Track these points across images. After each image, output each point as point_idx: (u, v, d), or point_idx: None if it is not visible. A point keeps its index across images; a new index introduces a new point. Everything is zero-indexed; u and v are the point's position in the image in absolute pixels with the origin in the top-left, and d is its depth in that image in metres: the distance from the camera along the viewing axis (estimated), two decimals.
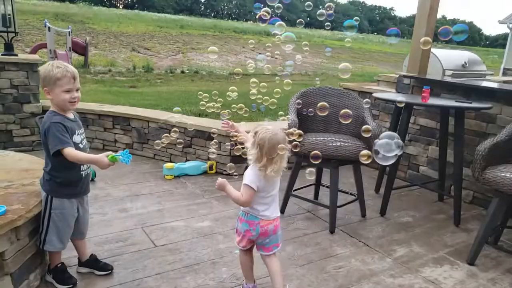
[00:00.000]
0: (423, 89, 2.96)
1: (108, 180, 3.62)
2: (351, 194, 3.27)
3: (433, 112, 3.74)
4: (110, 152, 1.92)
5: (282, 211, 3.14)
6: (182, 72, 13.83)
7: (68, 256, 2.32)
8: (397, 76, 4.15)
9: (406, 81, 3.98)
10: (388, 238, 2.89)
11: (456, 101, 3.13)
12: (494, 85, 3.71)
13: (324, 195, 3.40)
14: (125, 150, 1.92)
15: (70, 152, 1.90)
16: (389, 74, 4.61)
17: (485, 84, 3.65)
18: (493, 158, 2.59)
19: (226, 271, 2.35)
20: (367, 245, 2.77)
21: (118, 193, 3.38)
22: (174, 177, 3.80)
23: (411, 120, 4.00)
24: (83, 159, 1.95)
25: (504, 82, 4.77)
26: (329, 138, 2.93)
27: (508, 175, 2.42)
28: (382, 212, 3.24)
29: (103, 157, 1.89)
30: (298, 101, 3.04)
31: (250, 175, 1.95)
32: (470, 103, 3.06)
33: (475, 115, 3.49)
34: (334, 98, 3.22)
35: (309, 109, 2.45)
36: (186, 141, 4.11)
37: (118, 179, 3.68)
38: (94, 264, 2.26)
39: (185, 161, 4.06)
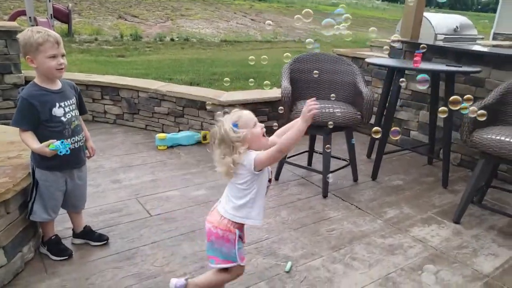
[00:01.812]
0: (415, 53, 2.97)
1: (99, 152, 3.62)
2: (343, 159, 3.33)
3: None
4: (53, 141, 1.87)
5: (277, 178, 3.21)
6: (172, 39, 13.52)
7: (62, 228, 2.35)
8: (390, 41, 4.13)
9: (398, 45, 3.98)
10: (379, 201, 2.99)
11: (446, 65, 3.15)
12: (484, 49, 3.73)
13: (318, 162, 3.47)
14: (61, 140, 1.89)
15: (21, 135, 1.89)
16: (382, 39, 4.59)
17: (475, 48, 3.66)
18: (481, 121, 2.64)
19: None
20: (359, 208, 2.86)
21: (110, 164, 3.40)
22: (168, 147, 3.82)
23: (403, 85, 4.03)
24: (29, 146, 1.91)
25: (494, 46, 4.78)
26: (322, 105, 2.94)
27: (494, 137, 2.48)
28: (374, 176, 3.32)
29: (43, 147, 1.85)
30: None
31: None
32: (460, 67, 3.09)
33: (465, 79, 3.53)
34: (327, 64, 3.22)
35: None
36: (178, 111, 4.10)
37: (109, 150, 3.69)
38: (89, 235, 2.27)
39: (178, 131, 4.07)
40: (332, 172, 3.07)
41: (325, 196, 2.98)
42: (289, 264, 2.18)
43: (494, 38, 18.01)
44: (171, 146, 3.85)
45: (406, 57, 3.94)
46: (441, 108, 1.85)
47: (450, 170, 3.35)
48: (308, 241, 2.43)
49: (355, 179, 3.27)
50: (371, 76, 4.30)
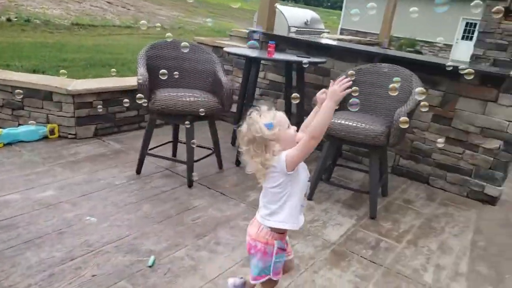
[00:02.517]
0: (268, 44, 3.14)
1: None
2: (208, 148, 3.36)
3: (279, 67, 4.02)
4: None
5: (138, 171, 3.06)
6: (9, 20, 11.68)
7: None
8: (248, 31, 4.30)
9: (256, 36, 4.16)
10: (242, 186, 3.10)
11: (297, 56, 3.41)
12: (329, 42, 4.16)
13: (183, 152, 3.41)
14: None
15: None
16: (241, 29, 4.74)
17: (322, 41, 4.05)
18: None
19: (77, 239, 2.21)
20: (224, 194, 2.93)
21: None
22: (4, 145, 3.29)
23: (262, 75, 4.24)
24: None
25: (338, 39, 5.39)
26: (182, 94, 2.90)
27: (336, 121, 2.79)
28: (237, 163, 3.44)
29: None
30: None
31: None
32: (309, 58, 3.38)
33: (314, 69, 3.88)
34: (185, 52, 3.16)
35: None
36: (17, 102, 3.57)
37: None
38: None
39: (18, 126, 3.54)
40: (196, 161, 3.06)
41: (190, 186, 2.96)
42: (152, 258, 2.10)
43: (341, 33, 20.36)
44: (9, 143, 3.32)
45: (263, 47, 4.15)
46: (294, 94, 1.99)
47: None
48: (173, 233, 2.38)
49: (220, 167, 3.33)
50: (232, 65, 4.41)
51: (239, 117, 3.66)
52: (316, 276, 2.16)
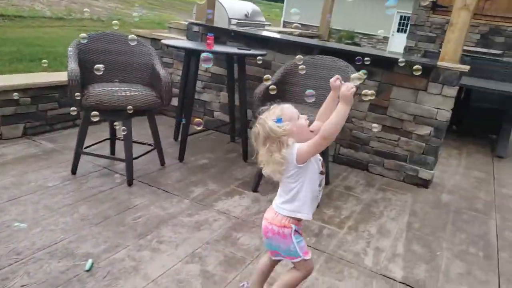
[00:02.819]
0: (207, 36, 3.09)
1: None
2: (148, 144, 3.25)
3: (221, 60, 3.97)
4: None
5: (74, 171, 2.89)
6: None
7: None
8: (187, 23, 4.20)
9: (196, 28, 4.08)
10: (186, 182, 3.04)
11: (238, 49, 3.39)
12: (269, 34, 4.18)
13: (122, 149, 3.28)
14: None
15: None
16: (180, 21, 4.62)
17: (263, 33, 4.06)
18: (268, 99, 2.94)
19: (3, 248, 2.04)
20: (166, 191, 2.85)
21: None
22: None
23: (203, 68, 4.17)
24: None
25: (279, 32, 5.44)
26: (117, 88, 2.77)
27: None
28: (180, 158, 3.36)
29: None
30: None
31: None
32: (249, 50, 3.37)
33: (256, 62, 3.88)
34: (120, 44, 3.03)
35: None
36: None
37: None
38: None
39: None
40: (136, 158, 2.95)
41: (130, 184, 2.85)
42: (90, 262, 2.00)
43: (284, 26, 20.61)
44: None
45: (204, 39, 4.08)
46: (265, 76, 2.04)
47: (249, 145, 3.66)
48: (112, 234, 2.28)
49: (162, 163, 3.24)
50: (172, 58, 4.30)
51: (180, 111, 3.59)
52: None
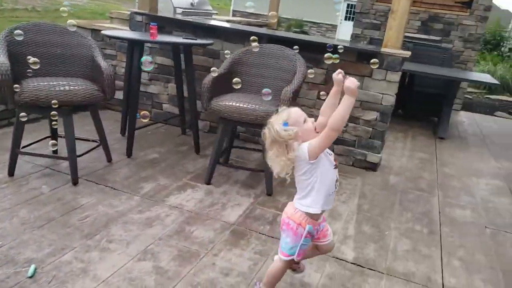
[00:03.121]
0: (150, 26, 2.98)
1: None
2: (93, 140, 3.10)
3: (167, 50, 3.86)
4: None
5: (11, 173, 2.70)
6: None
7: None
8: (129, 13, 4.03)
9: (139, 18, 3.92)
10: (135, 178, 2.94)
11: (183, 38, 3.30)
12: (217, 23, 4.11)
13: (65, 147, 3.11)
14: None
15: None
16: (122, 11, 4.43)
17: (209, 22, 3.98)
18: (216, 90, 2.92)
19: None
20: (114, 189, 2.74)
21: None
22: None
23: (149, 59, 4.03)
24: None
25: (227, 21, 5.37)
26: (55, 82, 2.60)
27: (227, 103, 2.78)
28: (128, 154, 3.24)
29: None
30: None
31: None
32: (195, 39, 3.30)
33: (203, 51, 3.81)
34: (56, 36, 2.84)
35: None
36: None
37: None
38: None
39: None
40: (80, 155, 2.81)
41: (75, 183, 2.71)
42: (32, 267, 1.88)
43: (233, 15, 20.47)
44: None
45: (147, 29, 3.94)
46: (235, 79, 1.99)
47: (201, 137, 3.61)
48: (57, 237, 2.16)
49: (109, 160, 3.11)
50: (115, 50, 4.12)
51: (126, 105, 3.45)
52: (217, 259, 2.16)
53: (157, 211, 2.55)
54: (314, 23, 21.70)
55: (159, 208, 2.58)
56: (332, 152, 1.71)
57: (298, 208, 1.71)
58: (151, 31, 2.98)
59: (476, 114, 6.93)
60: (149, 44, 3.88)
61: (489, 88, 8.84)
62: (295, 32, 15.75)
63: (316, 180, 1.65)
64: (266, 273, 1.87)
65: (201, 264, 2.10)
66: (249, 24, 5.71)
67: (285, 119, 1.61)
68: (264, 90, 1.99)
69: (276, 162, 1.63)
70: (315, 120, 1.70)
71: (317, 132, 1.63)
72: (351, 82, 1.52)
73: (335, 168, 1.70)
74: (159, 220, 2.45)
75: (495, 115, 7.07)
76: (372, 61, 1.94)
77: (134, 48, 3.02)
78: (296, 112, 1.65)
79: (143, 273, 1.99)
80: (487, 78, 5.59)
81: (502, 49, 15.16)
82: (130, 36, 3.03)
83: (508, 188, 3.66)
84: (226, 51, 2.72)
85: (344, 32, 18.87)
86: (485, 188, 3.60)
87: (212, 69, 2.19)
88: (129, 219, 2.42)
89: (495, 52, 14.59)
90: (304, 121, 1.64)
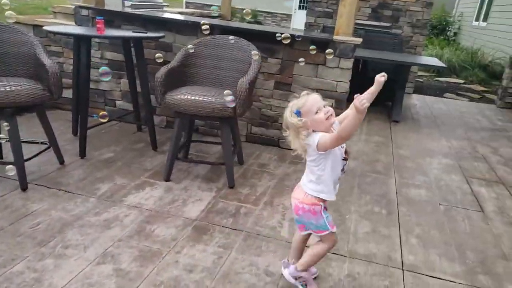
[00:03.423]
0: (96, 20, 2.84)
1: None
2: (42, 143, 2.94)
3: (117, 45, 3.71)
4: None
5: None
6: None
7: None
8: (74, 7, 3.83)
9: (84, 12, 3.74)
10: (90, 179, 2.82)
11: (133, 32, 3.19)
12: (168, 15, 4.00)
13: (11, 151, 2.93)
14: None
15: None
16: (66, 5, 4.20)
17: (159, 15, 3.87)
18: (170, 83, 2.84)
19: None
20: (68, 192, 2.62)
21: None
22: None
23: (98, 55, 3.87)
24: None
25: (179, 13, 5.25)
26: None
27: (182, 97, 2.72)
28: (82, 154, 3.11)
29: None
30: None
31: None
32: (146, 33, 3.19)
33: (155, 45, 3.70)
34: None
35: None
36: None
37: None
38: None
39: None
40: (29, 159, 2.66)
41: (24, 189, 2.56)
42: None
43: (186, 6, 20.09)
44: None
45: (95, 24, 3.77)
46: (157, 55, 1.90)
47: (158, 133, 3.52)
48: (6, 247, 2.04)
49: (61, 162, 2.96)
50: (61, 46, 3.91)
51: (76, 104, 3.30)
52: (180, 256, 2.12)
53: (115, 212, 2.46)
54: (269, 13, 21.72)
55: (117, 208, 2.50)
56: (344, 145, 1.74)
57: (308, 193, 1.76)
58: (98, 25, 2.84)
59: (427, 96, 7.24)
60: (97, 40, 3.71)
61: (438, 71, 9.24)
62: (249, 22, 15.68)
63: (324, 169, 1.71)
64: (307, 255, 1.90)
65: (163, 262, 2.06)
66: (202, 15, 5.61)
67: (299, 107, 1.65)
68: (230, 98, 2.11)
69: (292, 143, 1.73)
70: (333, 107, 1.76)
71: (331, 123, 1.69)
72: (360, 102, 1.51)
73: (344, 160, 1.76)
74: (117, 221, 2.37)
75: (444, 97, 7.41)
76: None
77: (81, 44, 2.88)
78: (312, 101, 1.67)
79: (103, 277, 1.92)
80: (435, 61, 5.83)
81: (448, 33, 15.89)
82: (75, 31, 2.88)
83: (458, 165, 3.85)
84: (189, 46, 2.65)
85: (299, 21, 19.02)
86: (437, 167, 3.77)
87: (157, 55, 2.12)
88: (86, 222, 2.32)
89: (442, 37, 15.28)
90: (317, 112, 1.66)
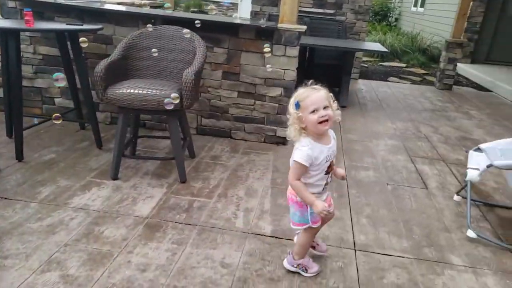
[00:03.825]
0: (24, 12, 2.64)
1: None
2: None
3: (52, 39, 3.48)
4: None
5: None
6: None
7: None
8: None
9: (11, 4, 3.46)
10: (30, 183, 2.64)
11: (67, 24, 3.00)
12: (106, 6, 3.80)
13: None
14: None
15: None
16: None
17: (96, 6, 3.67)
18: (111, 77, 2.71)
19: None
20: (5, 198, 2.44)
21: None
22: None
23: (31, 50, 3.62)
24: None
25: (119, 3, 5.03)
26: None
27: (124, 91, 2.60)
28: (19, 157, 2.89)
29: None
30: None
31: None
32: (81, 25, 3.01)
33: (94, 37, 3.51)
34: None
35: None
36: None
37: None
38: None
39: None
40: None
41: None
42: None
43: None
44: None
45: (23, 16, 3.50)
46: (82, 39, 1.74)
47: (102, 130, 3.37)
48: None
49: None
50: None
51: (9, 103, 3.06)
52: (132, 256, 2.05)
53: (60, 215, 2.32)
54: (214, 2, 21.42)
55: (61, 212, 2.36)
56: (331, 160, 1.82)
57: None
58: (26, 17, 2.64)
59: (373, 81, 7.51)
60: (28, 33, 3.46)
61: (382, 56, 9.60)
62: (193, 12, 15.35)
63: (306, 179, 1.81)
64: (295, 244, 2.06)
65: (115, 264, 1.98)
66: (140, 6, 5.41)
67: (300, 100, 1.70)
68: (166, 100, 2.29)
69: (289, 127, 1.79)
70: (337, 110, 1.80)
71: (320, 125, 1.71)
72: (322, 209, 1.74)
73: (326, 174, 1.83)
74: (63, 225, 2.24)
75: (389, 81, 7.72)
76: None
77: (9, 38, 2.66)
78: (313, 99, 1.69)
79: (49, 285, 1.81)
80: (378, 46, 6.03)
81: (390, 19, 16.54)
82: (1, 25, 2.65)
83: (403, 146, 4.03)
84: (148, 25, 2.55)
85: (245, 10, 18.92)
86: (384, 148, 3.93)
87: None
88: (27, 229, 2.17)
89: (384, 22, 15.88)
90: (314, 111, 1.69)
